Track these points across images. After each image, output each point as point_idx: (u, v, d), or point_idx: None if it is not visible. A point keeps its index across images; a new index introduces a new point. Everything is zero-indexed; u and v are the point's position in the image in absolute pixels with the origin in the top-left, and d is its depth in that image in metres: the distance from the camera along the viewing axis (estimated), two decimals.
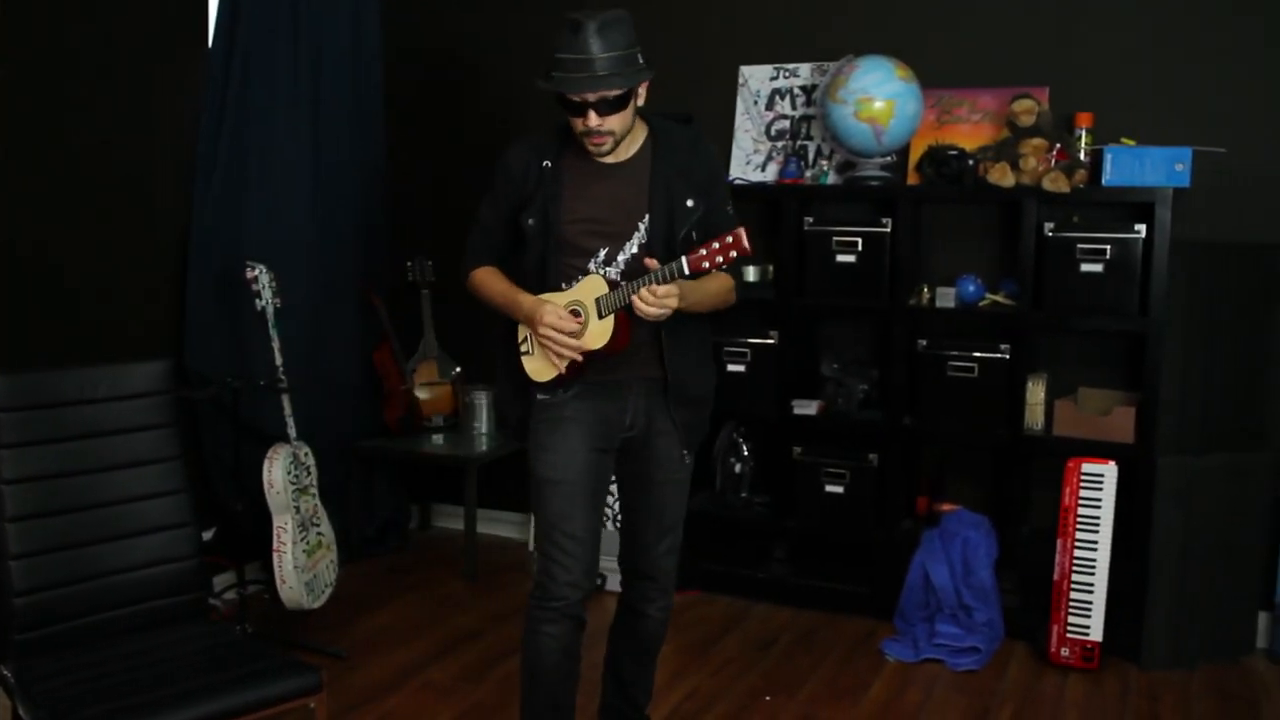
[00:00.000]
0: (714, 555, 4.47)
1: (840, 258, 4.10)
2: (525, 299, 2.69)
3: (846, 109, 3.98)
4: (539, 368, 2.74)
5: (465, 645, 3.93)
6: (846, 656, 3.87)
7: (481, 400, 4.87)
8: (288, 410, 3.82)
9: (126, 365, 2.85)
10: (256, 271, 3.79)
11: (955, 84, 4.19)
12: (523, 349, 2.77)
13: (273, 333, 3.80)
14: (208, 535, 4.14)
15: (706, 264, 2.45)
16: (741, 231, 2.46)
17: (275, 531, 3.75)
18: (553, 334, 2.60)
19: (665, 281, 2.49)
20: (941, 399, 4.03)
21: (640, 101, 2.66)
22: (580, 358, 2.64)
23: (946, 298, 4.06)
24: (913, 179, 4.18)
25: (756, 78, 4.52)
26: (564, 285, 2.70)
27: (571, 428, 2.73)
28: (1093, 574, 3.73)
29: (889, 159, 4.13)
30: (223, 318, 4.14)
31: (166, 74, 4.01)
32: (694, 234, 2.65)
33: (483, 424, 4.88)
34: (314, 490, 3.89)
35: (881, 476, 4.14)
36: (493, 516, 5.06)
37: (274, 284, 3.81)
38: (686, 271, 2.48)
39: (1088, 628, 3.73)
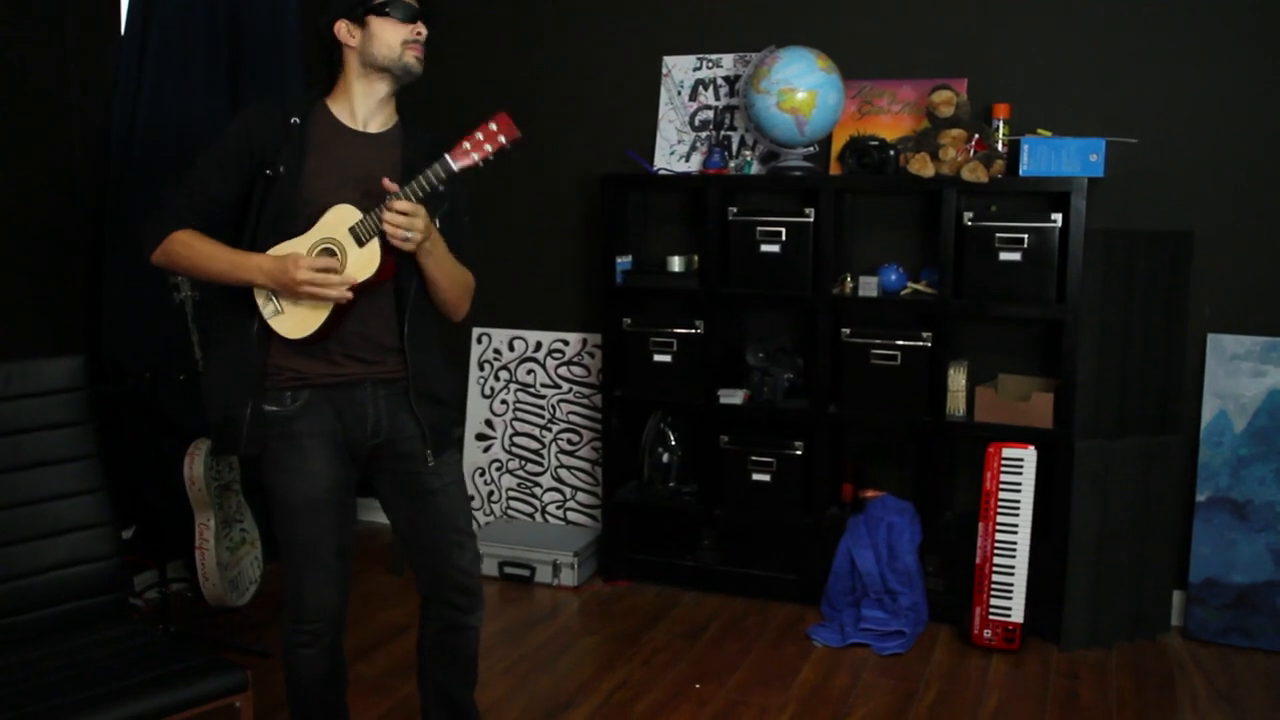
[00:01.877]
0: (642, 545, 4.48)
1: (764, 247, 4.13)
2: (260, 258, 2.44)
3: (769, 99, 4.01)
4: (296, 323, 2.48)
5: (393, 640, 3.89)
6: (775, 643, 3.91)
7: None
8: None
9: (39, 361, 2.77)
10: None
11: (876, 75, 4.24)
12: (267, 310, 2.49)
13: (192, 326, 3.73)
14: (127, 533, 4.07)
15: (476, 154, 2.28)
16: (505, 113, 2.30)
17: (197, 529, 3.69)
18: (315, 276, 2.37)
19: (427, 189, 2.37)
20: (865, 387, 4.08)
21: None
22: (350, 295, 2.41)
23: (869, 287, 4.11)
24: (835, 169, 4.22)
25: (680, 68, 4.53)
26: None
27: (310, 444, 2.54)
28: (1013, 557, 3.81)
29: (811, 149, 4.17)
30: (141, 308, 4.03)
31: (79, 50, 3.89)
32: (437, 222, 2.53)
33: None
34: (237, 486, 3.83)
35: (807, 464, 4.19)
36: None
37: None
38: (455, 168, 2.33)
39: (1009, 609, 3.81)
